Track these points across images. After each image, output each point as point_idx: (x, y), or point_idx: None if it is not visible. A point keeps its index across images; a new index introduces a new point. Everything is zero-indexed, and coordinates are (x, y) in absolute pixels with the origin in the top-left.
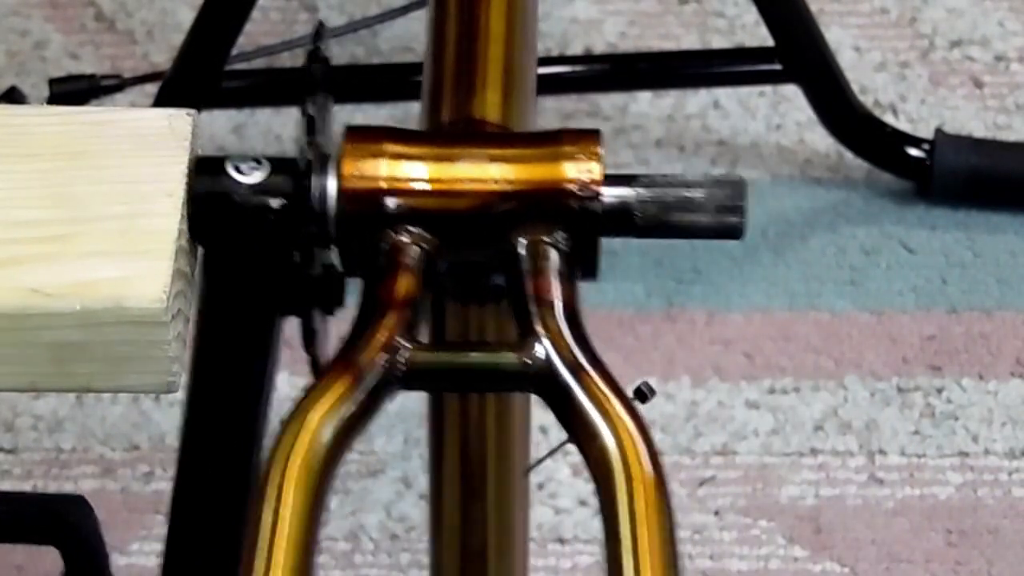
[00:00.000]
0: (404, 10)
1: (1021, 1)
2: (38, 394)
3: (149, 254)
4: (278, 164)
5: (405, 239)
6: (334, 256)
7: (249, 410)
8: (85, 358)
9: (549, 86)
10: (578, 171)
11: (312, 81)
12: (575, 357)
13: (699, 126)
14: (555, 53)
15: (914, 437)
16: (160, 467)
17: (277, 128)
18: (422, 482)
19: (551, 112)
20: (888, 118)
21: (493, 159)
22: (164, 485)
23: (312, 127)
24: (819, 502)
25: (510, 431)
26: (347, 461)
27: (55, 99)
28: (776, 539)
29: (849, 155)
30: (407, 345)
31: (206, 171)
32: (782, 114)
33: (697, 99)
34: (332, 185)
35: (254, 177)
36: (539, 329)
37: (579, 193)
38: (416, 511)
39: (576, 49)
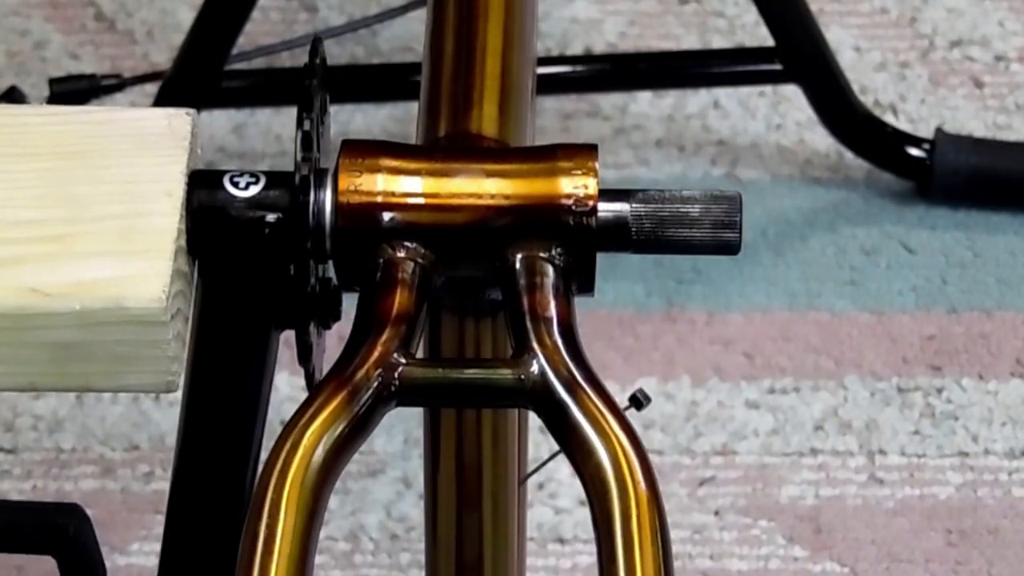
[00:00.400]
0: (404, 10)
1: (1021, 1)
2: (38, 394)
3: (149, 254)
4: (275, 178)
5: (401, 254)
6: (330, 270)
7: (245, 422)
8: (85, 358)
9: (549, 86)
10: (574, 186)
11: (308, 95)
12: (570, 373)
13: (699, 126)
14: (555, 53)
15: (914, 437)
16: (160, 467)
17: (277, 128)
18: (422, 482)
19: (551, 112)
20: (888, 118)
21: (489, 174)
22: (164, 485)
23: (308, 142)
24: (819, 502)
25: (506, 442)
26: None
27: (55, 99)
28: (776, 539)
29: (849, 155)
30: (402, 360)
31: (203, 184)
32: (782, 114)
33: (697, 99)
34: (328, 200)
35: (250, 191)
36: (535, 345)
37: (575, 208)
38: (416, 511)
39: (576, 49)
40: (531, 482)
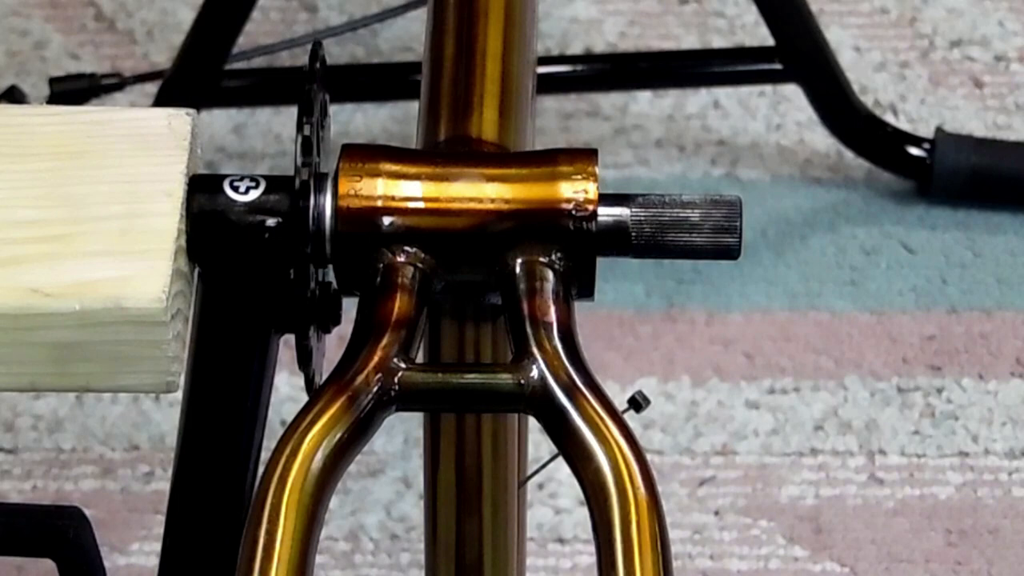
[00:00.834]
0: (404, 10)
1: (1021, 1)
2: (38, 394)
3: (148, 254)
4: (275, 183)
5: (401, 258)
6: (330, 274)
7: (245, 423)
8: (84, 358)
9: (549, 86)
10: (574, 191)
11: (308, 99)
12: (570, 378)
13: (699, 126)
14: (555, 53)
15: (914, 437)
16: (160, 467)
17: (277, 128)
18: (422, 482)
19: (551, 112)
20: (888, 118)
21: (489, 179)
22: (164, 485)
23: (308, 146)
24: (819, 502)
25: (506, 445)
26: None
27: (55, 99)
28: (776, 539)
29: (849, 155)
30: (402, 365)
31: (203, 189)
32: (782, 114)
33: (697, 99)
34: (328, 204)
35: (250, 195)
36: (534, 350)
37: (575, 213)
38: (416, 511)
39: (576, 49)
40: (531, 482)
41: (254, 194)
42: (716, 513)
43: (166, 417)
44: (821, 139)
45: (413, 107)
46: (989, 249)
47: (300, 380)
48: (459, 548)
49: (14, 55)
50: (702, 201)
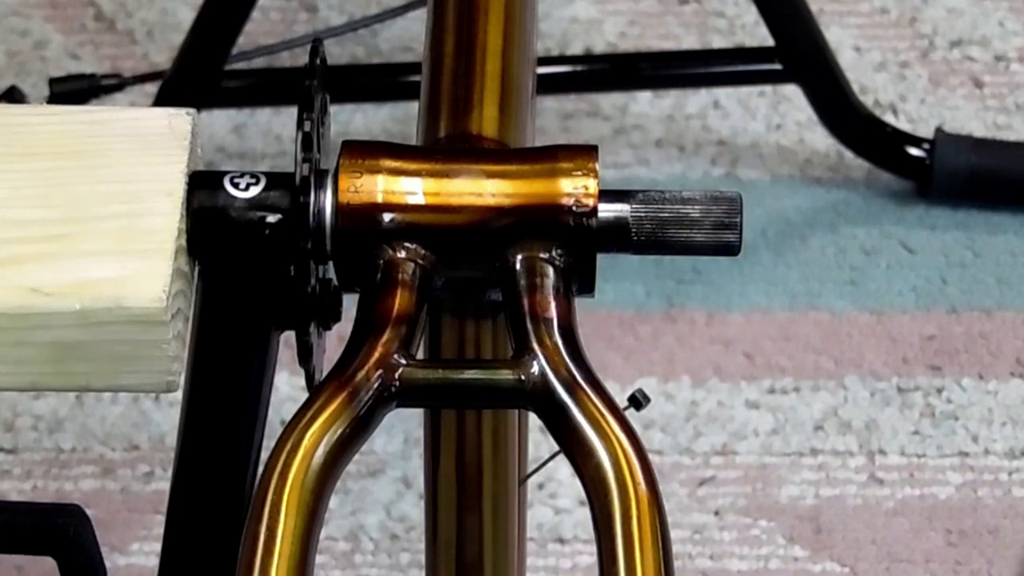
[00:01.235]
0: (404, 10)
1: (1021, 1)
2: (38, 394)
3: (149, 253)
4: (275, 179)
5: (401, 255)
6: (331, 271)
7: (245, 422)
8: (85, 358)
9: (549, 86)
10: (574, 187)
11: (309, 96)
12: (571, 374)
13: (699, 126)
14: (555, 53)
15: (914, 437)
16: (160, 467)
17: (277, 128)
18: (422, 482)
19: (551, 112)
20: (888, 118)
21: (489, 175)
22: (164, 485)
23: (308, 142)
24: (819, 502)
25: (506, 442)
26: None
27: (55, 99)
28: (776, 539)
29: (849, 155)
30: (403, 361)
31: (203, 185)
32: (782, 114)
33: (697, 99)
34: (328, 200)
35: (251, 192)
36: (535, 346)
37: (575, 209)
38: (416, 511)
39: (576, 49)
40: (531, 482)
41: (254, 191)
42: (716, 513)
43: (166, 417)
44: (821, 139)
45: (413, 107)
46: (989, 249)
47: (300, 380)
48: (459, 546)
49: (14, 55)
50: (702, 197)
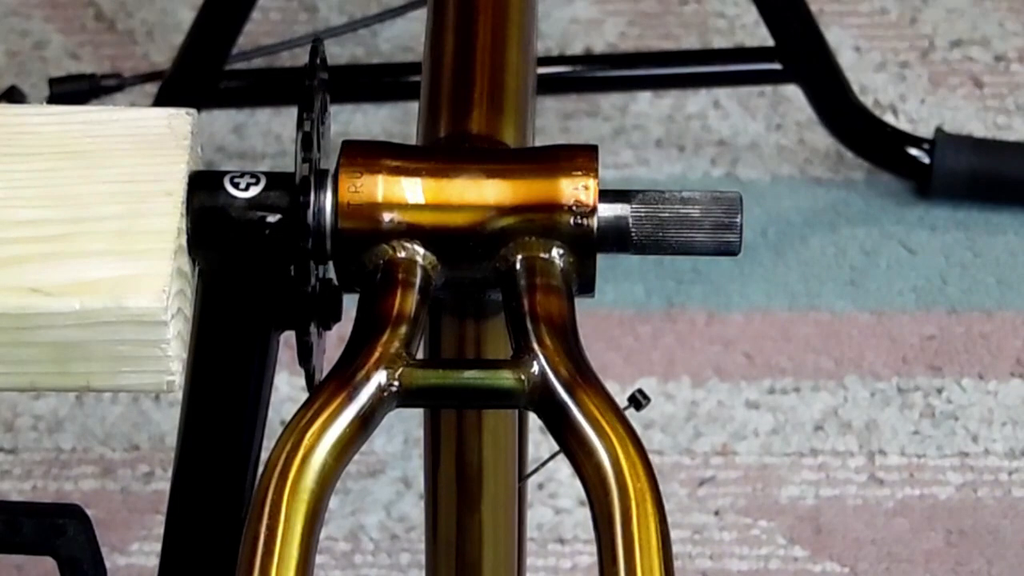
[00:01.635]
0: (404, 10)
1: (1021, 1)
2: (38, 394)
3: (149, 254)
4: (275, 179)
5: (402, 255)
6: (331, 271)
7: (245, 422)
8: (85, 358)
9: (549, 86)
10: (574, 187)
11: (309, 96)
12: (571, 374)
13: (699, 126)
14: (555, 53)
15: (914, 437)
16: (160, 467)
17: (277, 128)
18: (422, 482)
19: (551, 112)
20: (888, 118)
21: (490, 175)
22: (164, 485)
23: (308, 142)
24: (819, 502)
25: (506, 442)
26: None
27: (55, 99)
28: (776, 539)
29: (849, 155)
30: (403, 362)
31: (203, 185)
32: (782, 114)
33: (697, 99)
34: (328, 200)
35: (251, 192)
36: (535, 346)
37: (575, 210)
38: (416, 511)
39: (576, 49)
40: (531, 482)
41: (254, 190)
42: (716, 513)
43: (166, 417)
44: (821, 139)
45: (413, 107)
46: (989, 249)
47: (300, 380)
48: (459, 545)
49: (14, 55)
50: (702, 198)
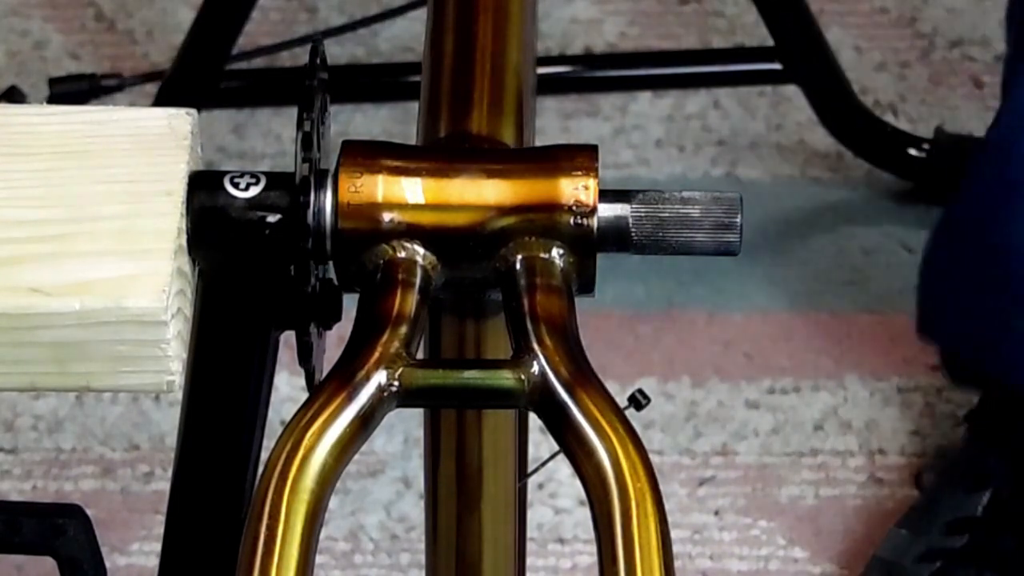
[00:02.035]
0: (404, 10)
1: None
2: (38, 394)
3: (149, 254)
4: (275, 179)
5: (402, 255)
6: (331, 270)
7: (245, 422)
8: (85, 358)
9: (549, 86)
10: (574, 187)
11: (309, 95)
12: (571, 374)
13: (699, 126)
14: (555, 53)
15: (914, 437)
16: (160, 467)
17: (277, 128)
18: (422, 482)
19: (551, 112)
20: (888, 118)
21: (490, 175)
22: (164, 485)
23: (308, 142)
24: (819, 502)
25: (506, 442)
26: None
27: (55, 99)
28: (776, 539)
29: (849, 155)
30: (403, 362)
31: (203, 185)
32: (782, 114)
33: (697, 99)
34: (328, 200)
35: (251, 192)
36: (535, 346)
37: (575, 210)
38: (416, 511)
39: (576, 49)
40: (531, 482)
41: (254, 190)
42: (716, 513)
43: (166, 417)
44: (821, 139)
45: (413, 107)
46: None
47: (300, 380)
48: (459, 545)
49: (14, 55)
50: (702, 198)
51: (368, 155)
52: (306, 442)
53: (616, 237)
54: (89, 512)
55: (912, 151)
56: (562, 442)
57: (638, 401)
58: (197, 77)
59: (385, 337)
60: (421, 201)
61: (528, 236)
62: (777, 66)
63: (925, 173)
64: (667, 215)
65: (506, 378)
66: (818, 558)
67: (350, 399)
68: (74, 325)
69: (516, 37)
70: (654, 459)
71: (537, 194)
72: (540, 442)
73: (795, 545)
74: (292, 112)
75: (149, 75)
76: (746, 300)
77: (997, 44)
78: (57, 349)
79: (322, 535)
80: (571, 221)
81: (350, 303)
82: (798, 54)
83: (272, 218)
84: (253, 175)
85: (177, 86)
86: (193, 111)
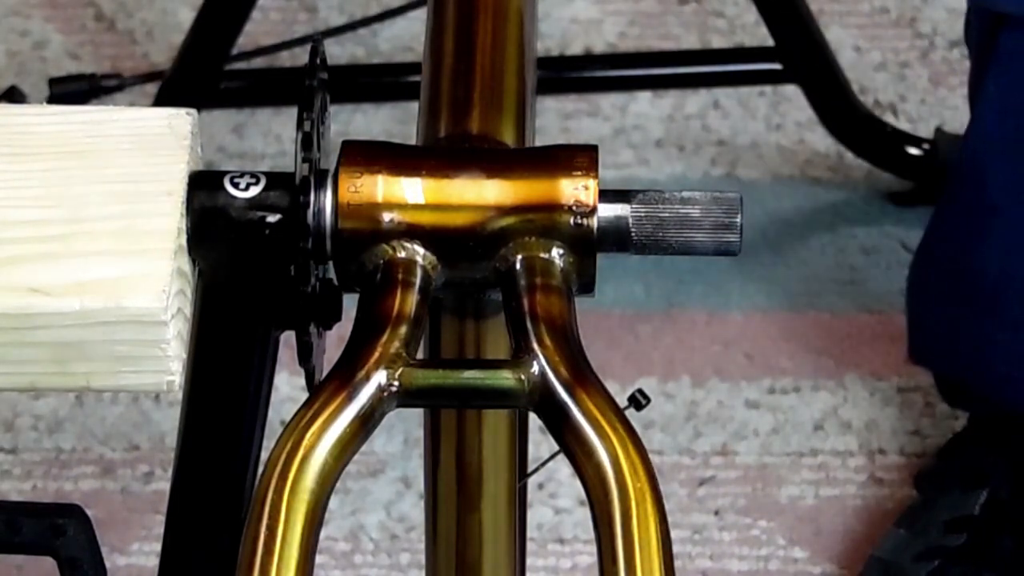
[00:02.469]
0: (404, 10)
1: None
2: (38, 394)
3: (149, 254)
4: (275, 179)
5: (402, 255)
6: (331, 270)
7: (245, 422)
8: (85, 358)
9: (549, 86)
10: (574, 187)
11: (309, 95)
12: (570, 374)
13: (699, 126)
14: (555, 53)
15: (914, 437)
16: (160, 467)
17: (277, 128)
18: (422, 482)
19: (551, 112)
20: (888, 118)
21: (490, 175)
22: (164, 485)
23: (308, 142)
24: (819, 502)
25: (506, 442)
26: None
27: (55, 99)
28: (776, 540)
29: (849, 155)
30: (403, 362)
31: (203, 185)
32: (782, 114)
33: (697, 99)
34: (328, 200)
35: (251, 192)
36: (535, 346)
37: (575, 210)
38: (416, 511)
39: (576, 49)
40: (531, 482)
41: (254, 190)
42: (716, 513)
43: (166, 417)
44: (821, 139)
45: (413, 107)
46: None
47: (300, 380)
48: (459, 545)
49: (14, 55)
50: (702, 198)
51: (368, 155)
52: (306, 442)
53: (616, 237)
54: (89, 512)
55: (912, 151)
56: (562, 442)
57: (638, 401)
58: (197, 77)
59: (385, 337)
60: (421, 201)
61: (528, 236)
62: (777, 66)
63: (925, 173)
64: (667, 215)
65: (506, 378)
66: (818, 558)
67: (350, 399)
68: (74, 325)
69: (516, 37)
70: (654, 459)
71: (537, 194)
72: (540, 442)
73: (795, 545)
74: (292, 112)
75: (149, 75)
76: (746, 300)
77: None
78: (57, 349)
79: (322, 535)
80: (571, 221)
81: (350, 303)
82: (798, 54)
83: (272, 218)
84: (253, 175)
85: (177, 86)
86: (193, 111)
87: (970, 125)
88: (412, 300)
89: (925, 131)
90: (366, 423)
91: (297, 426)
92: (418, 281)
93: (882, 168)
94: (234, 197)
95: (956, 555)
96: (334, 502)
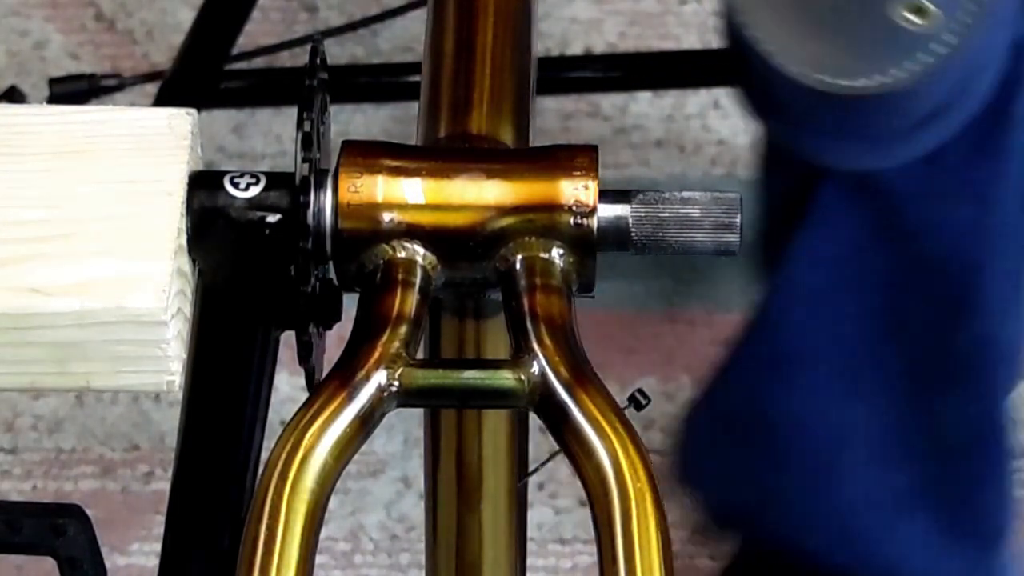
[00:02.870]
0: (404, 10)
1: None
2: (38, 394)
3: (148, 254)
4: (275, 179)
5: (402, 255)
6: (331, 270)
7: (245, 422)
8: (85, 358)
9: (549, 86)
10: (574, 188)
11: (309, 95)
12: (570, 374)
13: (699, 126)
14: (555, 53)
15: None
16: (160, 467)
17: (277, 128)
18: (422, 482)
19: (551, 112)
20: None
21: (490, 175)
22: (164, 485)
23: (308, 142)
24: None
25: (506, 442)
26: None
27: (55, 99)
28: None
29: None
30: (403, 362)
31: (203, 185)
32: None
33: (697, 99)
34: (328, 201)
35: (251, 192)
36: (535, 346)
37: (575, 210)
38: (416, 511)
39: (576, 49)
40: (531, 482)
41: (254, 190)
42: None
43: (166, 417)
44: None
45: (413, 107)
46: None
47: (300, 380)
48: (459, 545)
49: (14, 55)
50: (702, 198)
51: (368, 155)
52: (306, 442)
53: (616, 237)
54: (89, 512)
55: None
56: (562, 442)
57: (638, 401)
58: (197, 77)
59: (385, 337)
60: (421, 201)
61: (528, 236)
62: None
63: None
64: (667, 215)
65: (506, 378)
66: None
67: (350, 399)
68: (74, 325)
69: (516, 37)
70: (654, 459)
71: (537, 194)
72: (540, 442)
73: None
74: (292, 112)
75: (149, 75)
76: (746, 300)
77: None
78: (57, 349)
79: (322, 535)
80: (571, 221)
81: (350, 303)
82: None
83: (272, 218)
84: (253, 175)
85: (177, 86)
86: (193, 111)
87: (777, 273)
88: (412, 300)
89: None
90: (366, 423)
91: (297, 426)
92: (418, 281)
93: None
94: (234, 197)
95: None
96: (334, 502)
